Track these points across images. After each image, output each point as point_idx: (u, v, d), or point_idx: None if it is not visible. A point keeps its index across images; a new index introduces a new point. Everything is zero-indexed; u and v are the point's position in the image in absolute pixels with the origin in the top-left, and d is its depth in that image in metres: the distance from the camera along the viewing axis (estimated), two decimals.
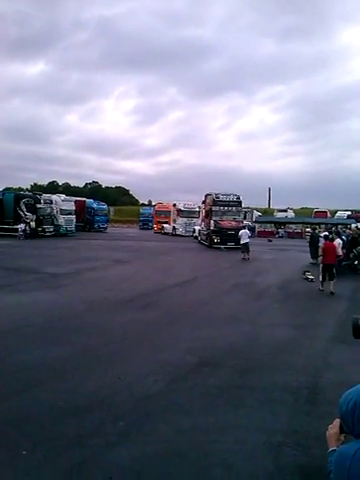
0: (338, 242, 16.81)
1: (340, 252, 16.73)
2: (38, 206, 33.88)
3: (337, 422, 2.04)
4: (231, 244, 26.82)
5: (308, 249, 21.43)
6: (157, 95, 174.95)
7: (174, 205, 44.28)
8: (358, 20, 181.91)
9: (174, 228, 43.24)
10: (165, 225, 46.12)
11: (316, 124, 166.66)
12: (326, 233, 20.38)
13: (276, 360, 6.85)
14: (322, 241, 16.26)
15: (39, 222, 32.99)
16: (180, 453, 4.07)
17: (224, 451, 4.11)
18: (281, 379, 5.99)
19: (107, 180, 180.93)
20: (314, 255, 19.29)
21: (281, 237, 45.01)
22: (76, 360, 6.51)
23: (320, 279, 13.85)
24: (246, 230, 24.51)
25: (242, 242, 22.82)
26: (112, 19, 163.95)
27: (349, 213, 47.43)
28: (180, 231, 42.09)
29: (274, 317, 9.98)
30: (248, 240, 22.91)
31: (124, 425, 4.58)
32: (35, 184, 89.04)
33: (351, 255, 17.87)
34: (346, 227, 27.56)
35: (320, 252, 14.32)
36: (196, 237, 36.18)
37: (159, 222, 48.95)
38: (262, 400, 5.30)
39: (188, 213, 42.26)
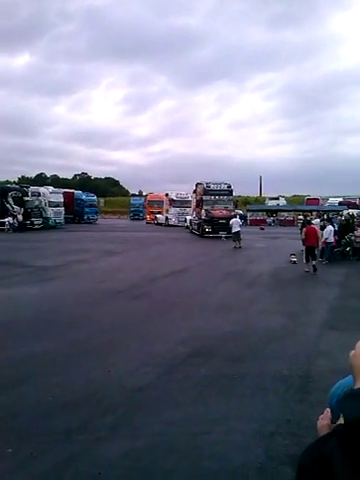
0: (330, 229, 16.85)
1: (332, 239, 16.78)
2: (26, 199, 33.51)
3: (328, 413, 1.95)
4: (223, 233, 26.76)
5: (300, 236, 21.41)
6: (147, 85, 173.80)
7: (166, 195, 44.05)
8: (347, 6, 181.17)
9: (167, 218, 43.05)
10: (158, 215, 45.89)
11: (307, 111, 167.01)
12: (318, 220, 20.47)
13: (268, 348, 6.80)
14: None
15: (27, 215, 32.66)
16: (171, 446, 3.99)
17: (215, 442, 4.05)
18: (273, 367, 5.94)
19: (97, 171, 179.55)
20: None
21: (273, 225, 45.12)
22: (65, 353, 6.38)
23: (304, 261, 14.80)
24: (237, 219, 24.50)
25: (233, 231, 22.78)
26: (100, 9, 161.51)
27: (341, 200, 47.47)
28: (173, 221, 41.90)
29: (266, 305, 9.94)
30: (239, 229, 22.88)
31: (114, 419, 4.50)
32: (23, 177, 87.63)
33: (342, 242, 17.89)
34: (338, 214, 27.59)
35: (302, 236, 15.31)
36: (188, 227, 36.08)
37: (152, 212, 48.72)
38: (254, 389, 5.24)
39: (181, 203, 42.00)
